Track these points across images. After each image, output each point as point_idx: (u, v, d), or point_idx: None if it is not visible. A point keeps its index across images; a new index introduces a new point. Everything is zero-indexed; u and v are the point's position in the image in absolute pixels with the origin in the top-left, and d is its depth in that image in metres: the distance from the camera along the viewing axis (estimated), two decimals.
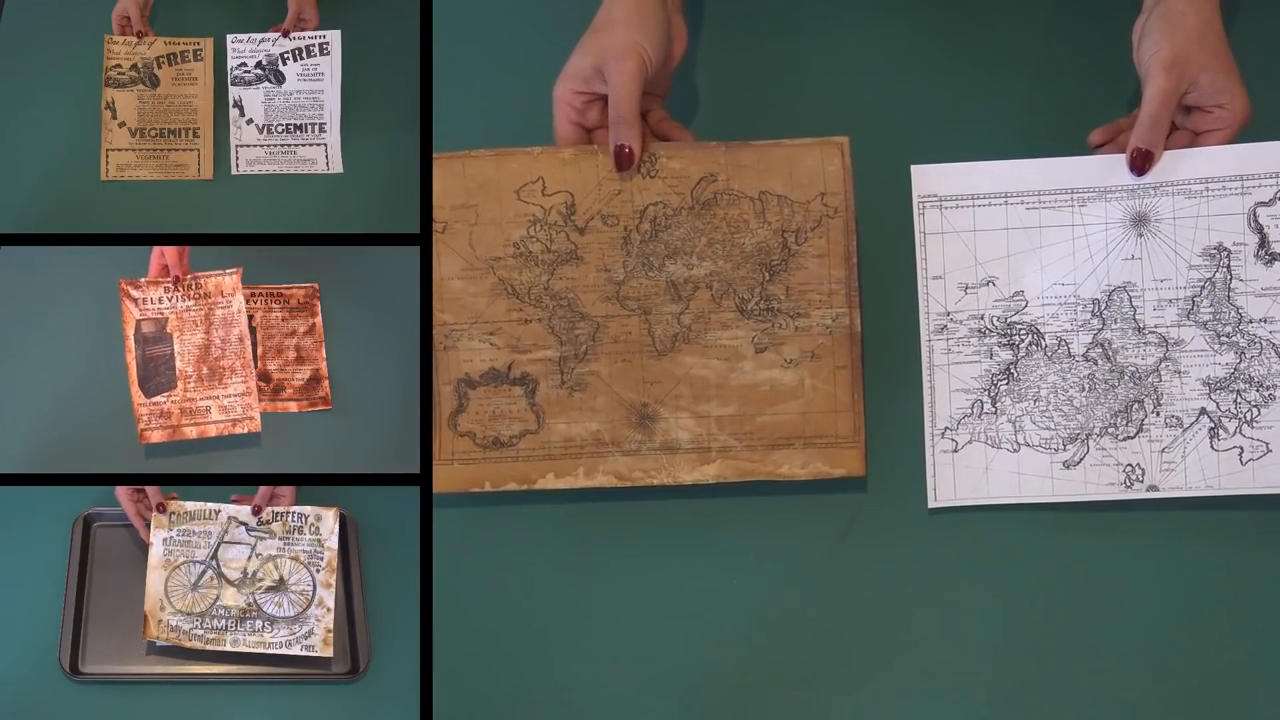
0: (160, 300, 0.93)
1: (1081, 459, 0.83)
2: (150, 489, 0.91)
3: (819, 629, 0.83)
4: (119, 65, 0.98)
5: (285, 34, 0.99)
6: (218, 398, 0.91)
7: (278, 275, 0.98)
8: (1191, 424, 0.83)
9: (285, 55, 0.99)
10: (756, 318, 0.86)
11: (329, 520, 0.91)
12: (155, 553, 0.90)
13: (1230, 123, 0.82)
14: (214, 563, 0.90)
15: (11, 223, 0.93)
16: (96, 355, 0.92)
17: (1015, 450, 0.84)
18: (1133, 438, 0.83)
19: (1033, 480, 0.84)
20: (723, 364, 0.86)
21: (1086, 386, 0.83)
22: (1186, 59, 0.81)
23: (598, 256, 0.86)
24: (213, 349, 0.92)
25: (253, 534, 0.90)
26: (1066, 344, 0.84)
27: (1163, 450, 0.83)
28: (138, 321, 0.92)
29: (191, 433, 0.90)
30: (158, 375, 0.91)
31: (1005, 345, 0.84)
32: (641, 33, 0.86)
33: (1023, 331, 0.84)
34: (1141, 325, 0.83)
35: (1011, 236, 0.85)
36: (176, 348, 0.92)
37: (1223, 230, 0.82)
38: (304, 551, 0.90)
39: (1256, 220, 0.82)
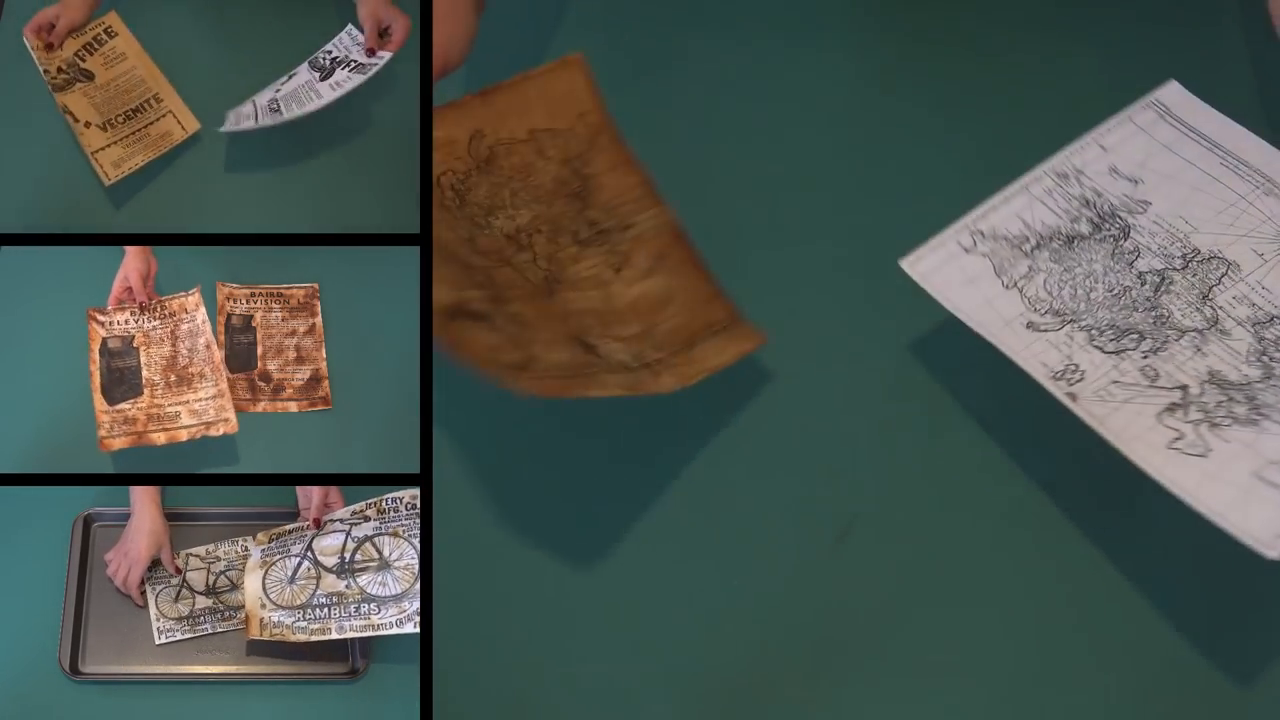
0: (126, 323, 0.93)
1: (1046, 331, 0.80)
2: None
3: (819, 629, 0.83)
4: (47, 70, 0.97)
5: (370, 53, 0.97)
6: (187, 402, 0.90)
7: (278, 275, 0.98)
8: (1161, 388, 0.79)
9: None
10: (595, 243, 0.84)
11: (416, 497, 0.88)
12: (253, 558, 0.89)
13: None
14: (309, 554, 0.88)
15: (12, 223, 0.93)
16: None
17: (1007, 288, 0.81)
18: (1103, 352, 0.80)
19: (991, 315, 0.81)
20: (598, 292, 0.84)
21: (1114, 291, 0.81)
22: None
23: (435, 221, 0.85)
24: (180, 359, 0.92)
25: (347, 524, 0.89)
26: (1137, 255, 0.82)
27: (1114, 381, 0.79)
28: (104, 340, 0.92)
29: (160, 439, 0.89)
30: (123, 384, 0.90)
31: (1091, 224, 0.83)
32: (452, 29, 0.84)
33: (1116, 224, 0.83)
34: (1210, 297, 0.82)
35: (1189, 171, 0.85)
36: (143, 359, 0.92)
37: None
38: (402, 526, 0.88)
39: None
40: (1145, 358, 0.80)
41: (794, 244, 0.92)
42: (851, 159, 0.98)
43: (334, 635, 0.86)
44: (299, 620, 0.86)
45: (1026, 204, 0.83)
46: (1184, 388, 0.79)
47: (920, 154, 0.98)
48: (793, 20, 1.05)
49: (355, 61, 0.96)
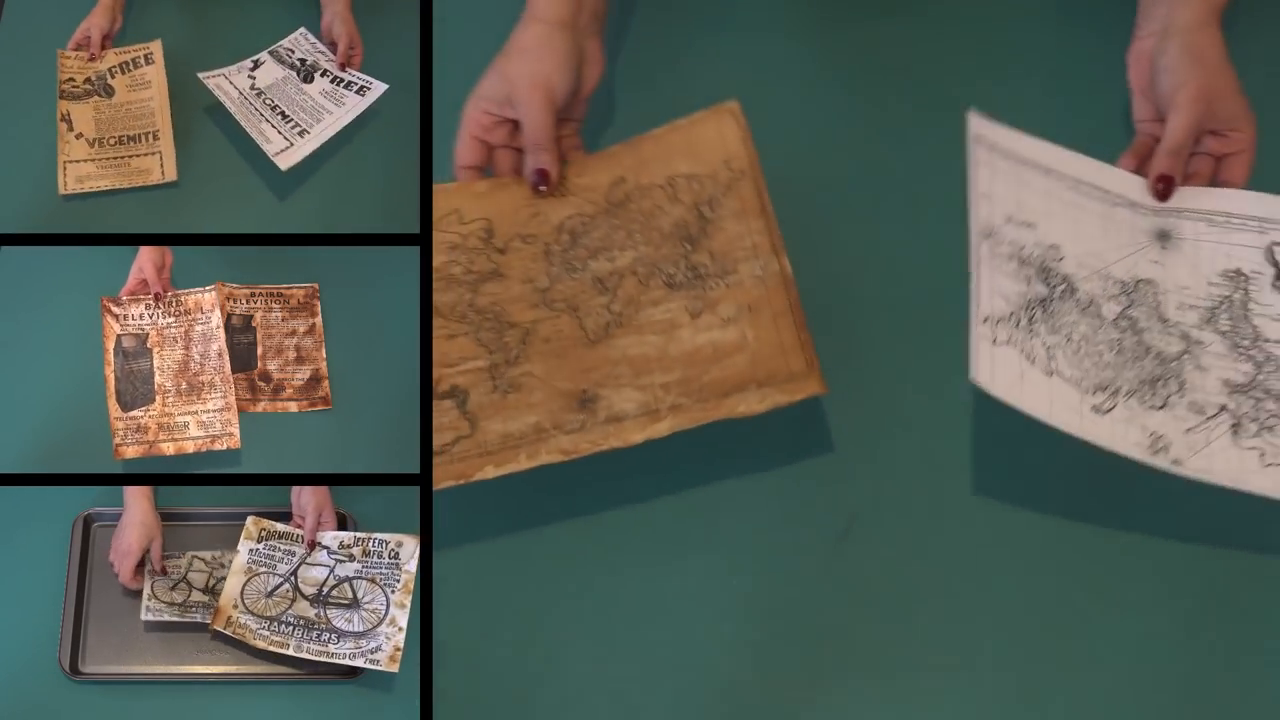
0: (141, 316, 0.93)
1: (1111, 410, 0.80)
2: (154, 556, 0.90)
3: (819, 629, 0.83)
4: (73, 79, 0.98)
5: (342, 67, 0.98)
6: (196, 413, 0.91)
7: (278, 275, 0.98)
8: (1214, 415, 0.81)
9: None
10: (686, 287, 0.86)
11: (409, 546, 0.91)
12: (239, 560, 0.91)
13: (1247, 145, 0.86)
14: (293, 578, 0.90)
15: (11, 223, 0.93)
16: (97, 355, 0.92)
17: (1048, 375, 0.81)
18: (1159, 409, 0.81)
19: (1064, 410, 0.80)
20: (660, 337, 0.85)
21: (1116, 349, 0.82)
22: (1211, 92, 0.85)
23: (520, 271, 0.88)
24: (191, 364, 0.92)
25: (333, 556, 0.91)
26: (1098, 306, 0.83)
27: (1187, 430, 0.81)
28: (118, 336, 0.92)
29: (169, 449, 0.89)
30: (135, 389, 0.91)
31: (1041, 281, 0.83)
32: (550, 63, 0.89)
33: (1057, 279, 0.83)
34: (1165, 318, 0.84)
35: (1054, 203, 0.86)
36: (156, 363, 0.92)
37: (1242, 258, 0.85)
38: (380, 575, 0.90)
39: (1274, 256, 0.84)
40: (1183, 397, 0.82)
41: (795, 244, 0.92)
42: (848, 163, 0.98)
43: (290, 652, 0.87)
44: (263, 629, 0.88)
45: (990, 275, 0.83)
46: (1223, 407, 0.81)
47: (918, 151, 0.98)
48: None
49: (332, 73, 0.98)
